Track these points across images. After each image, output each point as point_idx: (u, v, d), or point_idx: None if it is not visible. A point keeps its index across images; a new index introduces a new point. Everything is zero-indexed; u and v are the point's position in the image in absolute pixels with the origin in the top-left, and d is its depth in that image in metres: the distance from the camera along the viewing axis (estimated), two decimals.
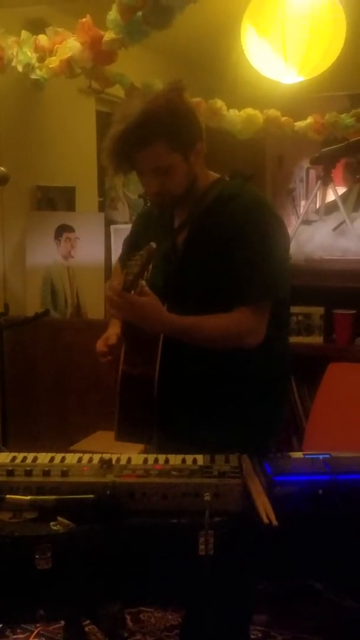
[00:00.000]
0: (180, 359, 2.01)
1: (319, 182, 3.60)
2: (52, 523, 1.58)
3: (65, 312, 3.97)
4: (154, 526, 1.60)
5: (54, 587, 1.57)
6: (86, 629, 2.50)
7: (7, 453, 1.82)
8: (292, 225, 3.65)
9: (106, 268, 3.89)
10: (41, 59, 3.32)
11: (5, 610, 1.64)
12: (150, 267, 1.92)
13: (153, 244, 1.90)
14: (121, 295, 1.88)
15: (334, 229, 3.39)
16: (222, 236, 2.00)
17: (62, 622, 2.39)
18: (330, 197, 3.73)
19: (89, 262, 3.91)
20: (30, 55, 3.31)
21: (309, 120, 4.70)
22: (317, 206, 3.96)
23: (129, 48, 3.11)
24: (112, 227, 4.16)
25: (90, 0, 3.35)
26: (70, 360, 3.84)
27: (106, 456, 1.75)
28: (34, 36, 3.34)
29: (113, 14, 2.96)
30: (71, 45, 3.21)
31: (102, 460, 1.73)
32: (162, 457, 1.77)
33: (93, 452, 1.81)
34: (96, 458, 1.76)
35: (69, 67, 3.25)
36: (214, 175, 2.13)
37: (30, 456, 1.78)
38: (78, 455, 1.80)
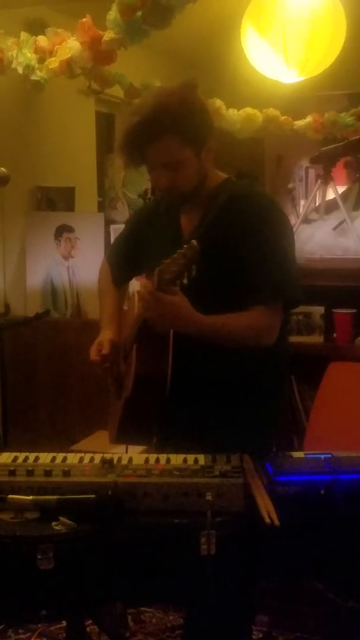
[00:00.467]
0: (188, 359, 2.01)
1: (319, 181, 3.60)
2: (54, 523, 1.58)
3: (65, 312, 3.97)
4: (156, 526, 1.60)
5: (56, 587, 1.57)
6: (88, 629, 2.50)
7: (9, 453, 1.82)
8: (292, 224, 3.64)
9: None
10: (41, 60, 3.32)
11: (7, 610, 1.64)
12: (194, 268, 1.83)
13: (195, 242, 1.81)
14: (154, 294, 1.86)
15: (334, 228, 3.39)
16: (235, 236, 2.00)
17: (64, 622, 2.39)
18: (330, 196, 3.73)
19: (89, 262, 3.91)
20: (30, 57, 3.31)
21: (308, 119, 4.71)
22: (317, 205, 3.96)
23: (128, 48, 3.11)
24: (112, 226, 4.16)
25: (89, 1, 3.34)
26: (70, 360, 3.85)
27: (107, 456, 1.75)
28: (34, 37, 3.34)
29: (113, 14, 2.96)
30: (71, 45, 3.21)
31: (103, 460, 1.73)
32: (163, 457, 1.77)
33: (94, 452, 1.81)
34: (97, 458, 1.76)
35: (69, 67, 3.25)
36: (222, 175, 2.13)
37: (32, 456, 1.78)
38: (79, 455, 1.80)
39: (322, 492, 1.66)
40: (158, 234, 2.17)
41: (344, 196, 3.72)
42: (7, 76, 3.46)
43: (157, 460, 1.75)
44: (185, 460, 1.75)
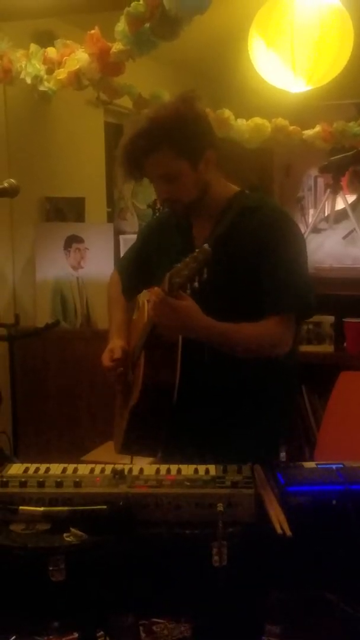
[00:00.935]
0: (196, 367, 2.01)
1: (328, 190, 3.60)
2: (65, 534, 1.58)
3: (75, 322, 3.98)
4: (167, 537, 1.60)
5: (67, 598, 1.57)
6: None
7: (20, 464, 1.82)
8: None
9: None
10: (50, 71, 3.34)
11: (19, 622, 1.63)
12: (206, 270, 1.83)
13: (207, 246, 1.82)
14: (164, 300, 1.87)
15: (344, 237, 3.39)
16: (248, 248, 2.01)
17: (76, 634, 2.38)
18: (340, 205, 3.73)
19: (98, 273, 3.91)
20: (39, 68, 3.33)
21: (317, 128, 4.70)
22: (326, 214, 3.96)
23: (136, 59, 3.13)
24: (121, 237, 4.17)
25: (98, 12, 3.36)
26: (80, 370, 3.85)
27: (118, 467, 1.75)
28: (43, 49, 3.36)
29: (121, 26, 2.97)
30: (79, 57, 3.23)
31: (114, 471, 1.73)
32: (174, 468, 1.76)
33: (105, 463, 1.81)
34: (108, 469, 1.76)
35: (77, 79, 3.27)
36: (234, 187, 2.13)
37: (43, 467, 1.78)
38: (90, 465, 1.80)
39: (334, 502, 1.65)
40: (169, 246, 2.18)
41: (354, 205, 3.73)
42: (16, 87, 3.48)
43: (168, 470, 1.75)
44: (196, 471, 1.74)
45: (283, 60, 3.42)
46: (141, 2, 2.85)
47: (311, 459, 2.88)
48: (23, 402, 3.62)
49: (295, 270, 2.02)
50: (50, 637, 2.61)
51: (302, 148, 4.83)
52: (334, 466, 1.80)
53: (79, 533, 1.57)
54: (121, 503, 1.59)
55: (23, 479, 1.69)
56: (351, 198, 4.01)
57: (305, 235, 3.52)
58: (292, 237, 2.06)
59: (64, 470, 1.77)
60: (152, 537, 1.60)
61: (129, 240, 4.01)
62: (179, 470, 1.75)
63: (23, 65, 3.36)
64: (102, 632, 2.47)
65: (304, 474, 1.79)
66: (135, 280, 2.37)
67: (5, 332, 3.51)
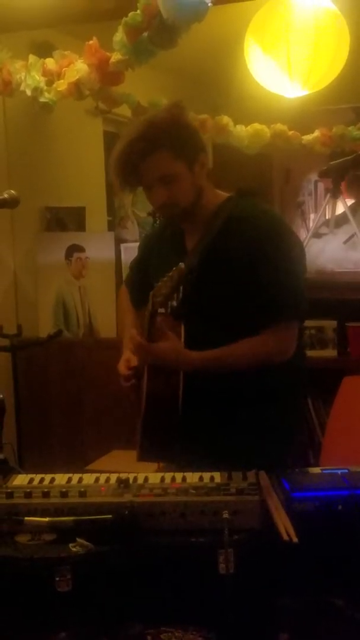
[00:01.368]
0: (199, 377, 2.01)
1: (329, 195, 3.60)
2: (71, 544, 1.57)
3: (77, 331, 3.98)
4: (173, 545, 1.59)
5: (74, 608, 1.56)
6: None
7: (25, 475, 1.82)
8: (302, 238, 3.65)
9: (117, 286, 3.90)
10: (49, 83, 3.35)
11: (26, 633, 1.63)
12: (182, 288, 1.92)
13: (182, 265, 1.89)
14: (143, 347, 1.92)
15: (345, 242, 3.40)
16: (239, 257, 2.01)
17: None
18: (340, 209, 3.73)
19: (100, 282, 3.92)
20: (39, 79, 3.34)
21: (316, 133, 4.71)
22: (327, 219, 3.96)
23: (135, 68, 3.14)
24: (122, 245, 4.17)
25: (95, 23, 3.37)
26: (83, 379, 3.85)
27: (123, 476, 1.75)
28: (42, 60, 3.37)
29: (119, 35, 2.98)
30: (78, 67, 3.23)
31: (119, 480, 1.73)
32: (179, 476, 1.76)
33: (109, 472, 1.81)
34: (113, 478, 1.76)
35: (77, 89, 3.27)
36: (223, 194, 2.14)
37: (48, 477, 1.78)
38: (95, 475, 1.80)
39: (340, 507, 1.65)
40: (164, 257, 2.19)
41: (354, 209, 3.73)
42: (16, 98, 3.49)
43: (173, 478, 1.75)
44: (201, 478, 1.74)
45: (279, 65, 3.43)
46: (138, 11, 2.86)
47: (315, 463, 2.87)
48: (26, 412, 3.62)
49: (290, 279, 2.02)
50: None
51: (302, 153, 4.83)
52: (339, 471, 1.79)
53: (85, 543, 1.57)
54: (127, 512, 1.59)
55: (28, 490, 1.69)
56: (351, 202, 4.01)
57: (306, 241, 3.54)
58: (286, 245, 2.05)
59: (69, 480, 1.77)
60: (158, 546, 1.59)
61: (130, 248, 4.01)
62: (183, 478, 1.75)
63: (22, 77, 3.37)
64: None
65: (309, 479, 1.79)
66: (139, 292, 2.38)
67: (8, 342, 3.51)
